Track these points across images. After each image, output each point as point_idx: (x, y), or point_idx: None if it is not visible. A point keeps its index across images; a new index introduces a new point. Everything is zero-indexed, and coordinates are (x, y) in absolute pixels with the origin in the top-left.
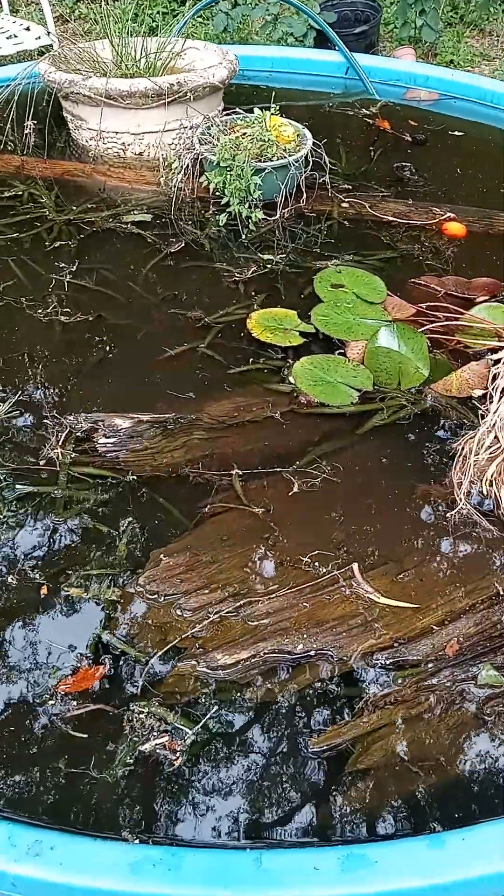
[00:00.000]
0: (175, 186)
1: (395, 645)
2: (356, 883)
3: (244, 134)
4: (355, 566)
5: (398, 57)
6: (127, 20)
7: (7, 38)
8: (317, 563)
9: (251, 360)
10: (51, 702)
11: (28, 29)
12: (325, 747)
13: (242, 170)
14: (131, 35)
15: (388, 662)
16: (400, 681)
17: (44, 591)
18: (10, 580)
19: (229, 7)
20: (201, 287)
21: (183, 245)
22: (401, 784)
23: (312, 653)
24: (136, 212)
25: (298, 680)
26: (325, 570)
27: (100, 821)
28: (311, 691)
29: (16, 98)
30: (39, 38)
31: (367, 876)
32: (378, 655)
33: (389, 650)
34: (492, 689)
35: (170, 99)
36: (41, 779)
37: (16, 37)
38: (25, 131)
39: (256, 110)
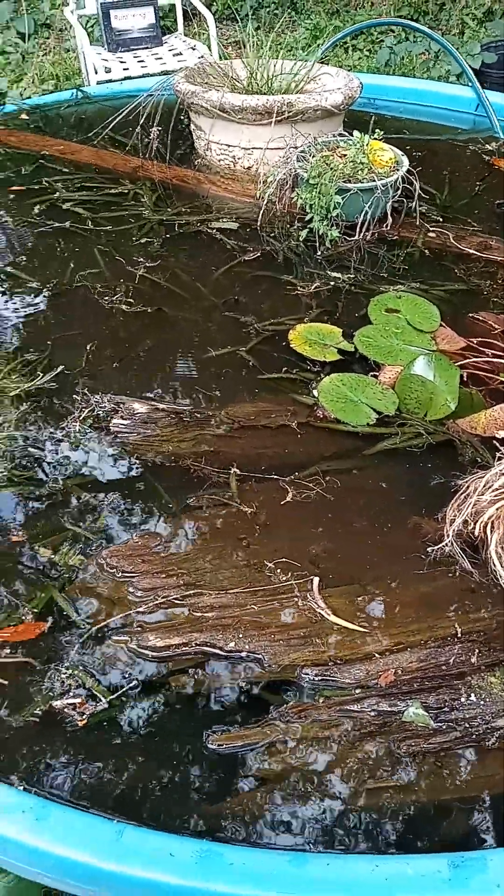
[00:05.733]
0: (267, 199)
1: (330, 664)
2: (204, 878)
3: (342, 155)
4: (315, 580)
5: None
6: (297, 48)
7: (174, 56)
8: (279, 571)
9: (284, 369)
10: None
11: (194, 48)
12: (224, 746)
13: (325, 188)
14: (279, 58)
15: (316, 679)
16: (322, 700)
17: (17, 540)
18: None
19: (394, 42)
20: (263, 296)
21: (259, 255)
22: (290, 799)
23: (244, 654)
24: (225, 219)
25: (222, 677)
26: (284, 579)
27: None
28: (229, 690)
29: (153, 106)
30: (202, 57)
31: (217, 874)
32: (308, 670)
33: (321, 668)
34: (415, 727)
35: (278, 118)
36: None
37: (181, 54)
38: (150, 136)
39: (356, 133)
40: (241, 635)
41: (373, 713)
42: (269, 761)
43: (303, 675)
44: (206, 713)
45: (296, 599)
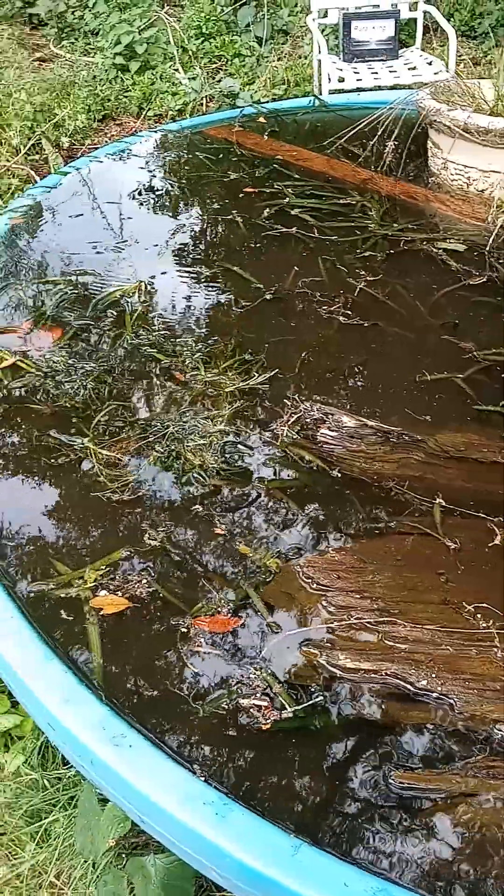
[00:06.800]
0: (499, 224)
1: None
2: None
3: None
4: None
5: None
6: None
7: (409, 69)
8: (479, 616)
9: (501, 403)
10: (183, 629)
11: (430, 63)
12: (406, 784)
13: None
14: None
15: None
16: None
17: (219, 532)
18: (194, 520)
19: None
20: (485, 323)
21: (484, 280)
22: (465, 855)
23: (435, 694)
24: (451, 240)
25: (410, 713)
26: (484, 625)
27: (176, 742)
28: (415, 728)
29: (392, 119)
30: (438, 73)
31: None
32: (501, 726)
33: None
34: None
35: None
36: (144, 683)
37: (416, 69)
38: (385, 149)
39: None
40: (433, 675)
41: None
42: (449, 811)
43: (495, 731)
44: (388, 747)
45: (495, 649)
